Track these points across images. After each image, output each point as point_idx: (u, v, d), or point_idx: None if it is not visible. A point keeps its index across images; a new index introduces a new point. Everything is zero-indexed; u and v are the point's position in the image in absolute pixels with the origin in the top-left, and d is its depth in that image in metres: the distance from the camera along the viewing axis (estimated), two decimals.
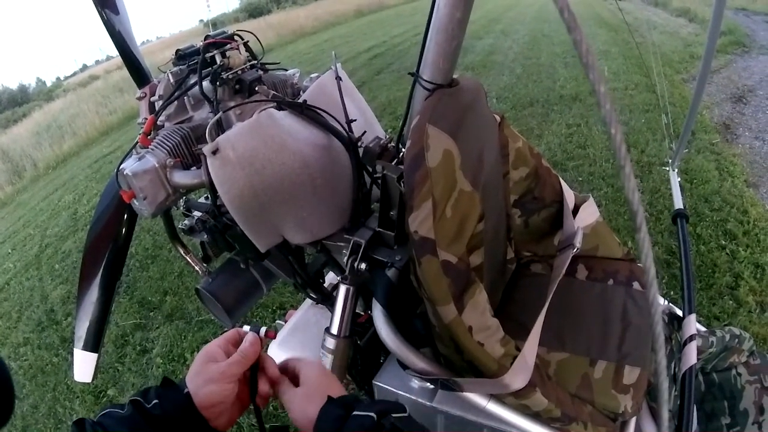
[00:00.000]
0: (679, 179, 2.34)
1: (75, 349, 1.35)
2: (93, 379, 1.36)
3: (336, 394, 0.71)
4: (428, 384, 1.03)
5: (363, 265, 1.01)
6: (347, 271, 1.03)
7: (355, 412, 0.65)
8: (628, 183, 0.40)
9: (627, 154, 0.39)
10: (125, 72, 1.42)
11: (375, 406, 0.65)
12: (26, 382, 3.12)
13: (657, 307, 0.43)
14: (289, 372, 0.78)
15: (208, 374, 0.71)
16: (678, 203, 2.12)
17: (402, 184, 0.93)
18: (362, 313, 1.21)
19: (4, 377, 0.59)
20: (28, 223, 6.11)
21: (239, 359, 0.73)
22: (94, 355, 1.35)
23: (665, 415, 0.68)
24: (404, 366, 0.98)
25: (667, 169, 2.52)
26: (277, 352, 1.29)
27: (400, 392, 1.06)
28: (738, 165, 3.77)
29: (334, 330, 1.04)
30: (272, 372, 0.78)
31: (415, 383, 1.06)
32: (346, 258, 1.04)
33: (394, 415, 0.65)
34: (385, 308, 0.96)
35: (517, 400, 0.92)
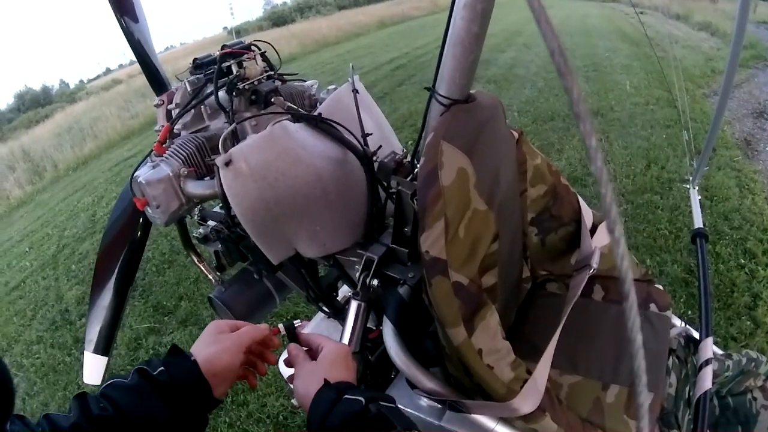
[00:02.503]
0: (699, 197, 2.29)
1: (86, 352, 1.36)
2: (102, 382, 1.37)
3: (338, 379, 0.73)
4: (437, 403, 1.02)
5: (375, 282, 1.00)
6: (359, 287, 1.02)
7: (345, 396, 0.68)
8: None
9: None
10: None
11: (366, 393, 0.69)
12: (38, 380, 3.15)
13: (635, 320, 0.43)
14: (312, 346, 0.82)
15: (222, 344, 0.75)
16: (698, 222, 2.06)
17: (416, 202, 0.91)
18: (374, 328, 1.19)
19: (3, 375, 0.59)
20: (47, 223, 6.19)
21: (250, 330, 0.79)
22: (104, 359, 1.36)
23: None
24: (413, 385, 0.96)
25: (688, 186, 2.47)
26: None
27: (408, 410, 1.04)
28: (759, 182, 3.72)
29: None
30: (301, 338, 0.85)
31: (424, 401, 1.04)
32: (358, 273, 1.03)
33: (382, 403, 0.68)
34: (395, 326, 0.95)
35: (526, 424, 0.90)
